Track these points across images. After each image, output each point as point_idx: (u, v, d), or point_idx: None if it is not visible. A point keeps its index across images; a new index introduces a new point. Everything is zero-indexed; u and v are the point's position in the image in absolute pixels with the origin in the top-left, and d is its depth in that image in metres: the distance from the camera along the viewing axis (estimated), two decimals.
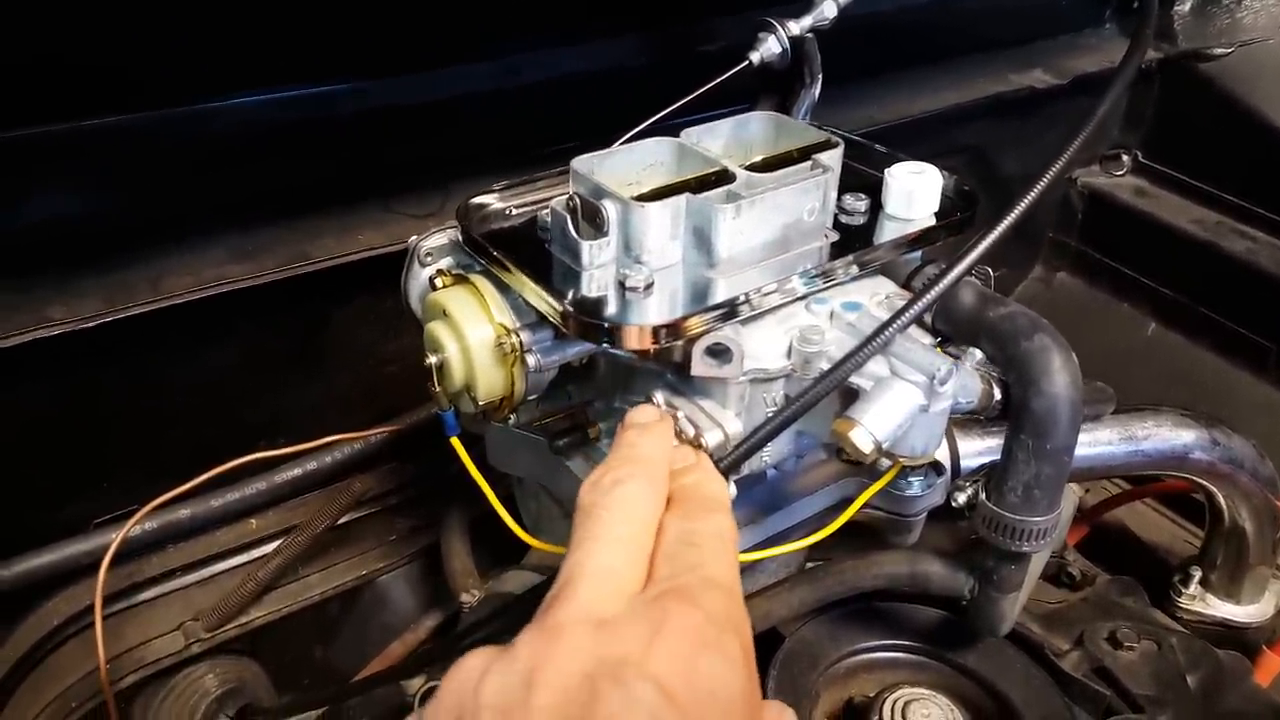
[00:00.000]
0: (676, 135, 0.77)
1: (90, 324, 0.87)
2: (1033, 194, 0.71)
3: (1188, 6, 1.61)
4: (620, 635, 0.44)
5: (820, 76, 0.95)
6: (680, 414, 0.68)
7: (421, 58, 1.03)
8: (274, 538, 1.06)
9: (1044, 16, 1.62)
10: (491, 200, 0.80)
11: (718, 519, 0.54)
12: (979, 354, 0.72)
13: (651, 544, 0.51)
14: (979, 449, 0.93)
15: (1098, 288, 1.69)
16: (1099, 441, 0.99)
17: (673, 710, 0.41)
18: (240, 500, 1.04)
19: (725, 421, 0.69)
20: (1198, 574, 1.14)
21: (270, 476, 1.05)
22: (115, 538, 0.95)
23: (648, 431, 0.60)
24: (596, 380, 0.83)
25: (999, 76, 1.50)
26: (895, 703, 0.84)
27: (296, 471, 1.06)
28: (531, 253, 0.74)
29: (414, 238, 0.79)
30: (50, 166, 0.89)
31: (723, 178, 0.73)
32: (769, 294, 0.70)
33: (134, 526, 0.97)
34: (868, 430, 0.64)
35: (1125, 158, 1.68)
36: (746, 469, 0.74)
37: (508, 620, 0.84)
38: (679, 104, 0.87)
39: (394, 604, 1.12)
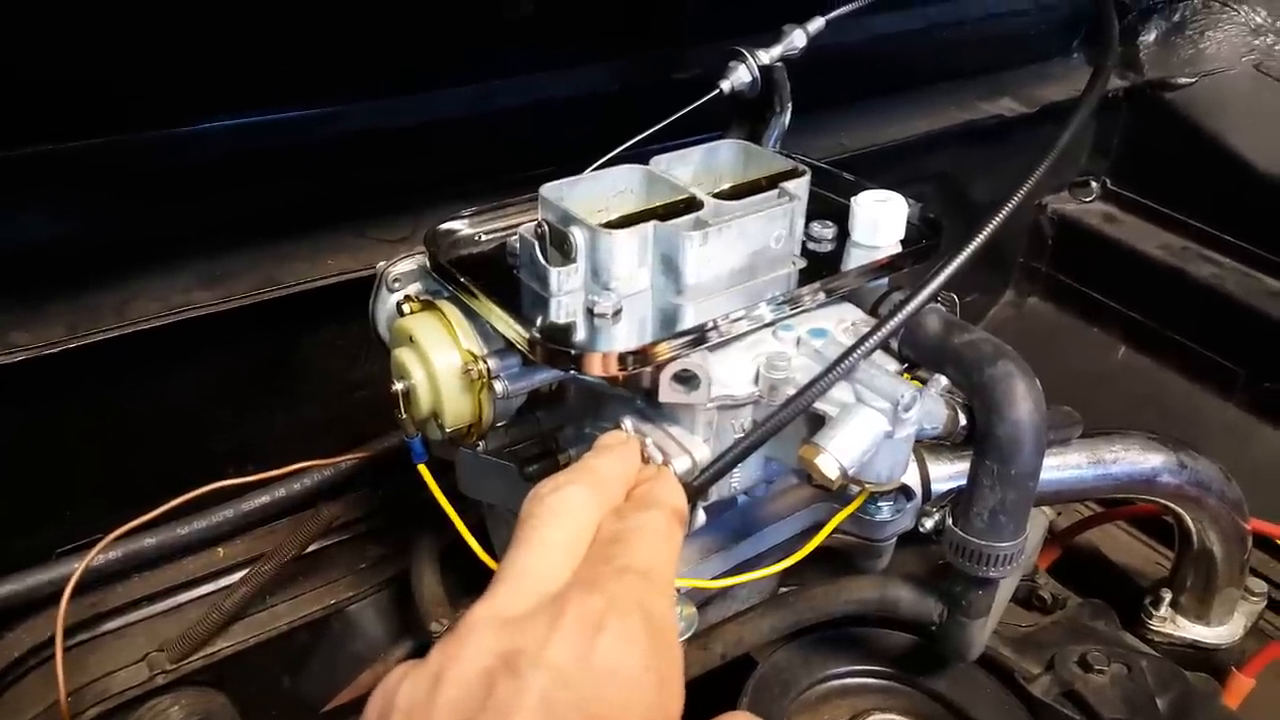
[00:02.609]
0: (647, 162, 0.78)
1: (55, 350, 0.86)
2: (994, 222, 0.72)
3: (1152, 37, 1.64)
4: (522, 629, 0.45)
5: (790, 105, 0.96)
6: (649, 440, 0.68)
7: (394, 83, 1.04)
8: (241, 566, 1.04)
9: (1013, 46, 1.65)
10: (460, 226, 0.80)
11: (650, 514, 0.55)
12: (944, 380, 0.72)
13: (586, 545, 0.52)
14: (949, 473, 0.94)
15: (1068, 312, 1.72)
16: (1068, 465, 1.00)
17: (565, 693, 0.43)
18: (207, 528, 1.02)
19: (693, 448, 0.69)
20: (1168, 596, 1.15)
21: (237, 504, 1.04)
22: (78, 567, 0.93)
23: (606, 450, 0.61)
24: (566, 407, 0.83)
25: (968, 105, 1.52)
26: None
27: (264, 499, 1.04)
28: (500, 279, 0.74)
29: (382, 263, 0.79)
30: (17, 190, 0.88)
31: (691, 205, 0.73)
32: (737, 321, 0.70)
33: (97, 555, 0.95)
34: (833, 456, 0.64)
35: (1094, 184, 1.71)
36: (715, 494, 0.74)
37: None
38: (650, 131, 0.88)
39: (363, 633, 1.10)
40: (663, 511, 0.55)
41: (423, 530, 1.06)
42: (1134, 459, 1.01)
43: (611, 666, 0.44)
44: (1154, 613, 1.15)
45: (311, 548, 1.05)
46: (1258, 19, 1.62)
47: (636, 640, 0.46)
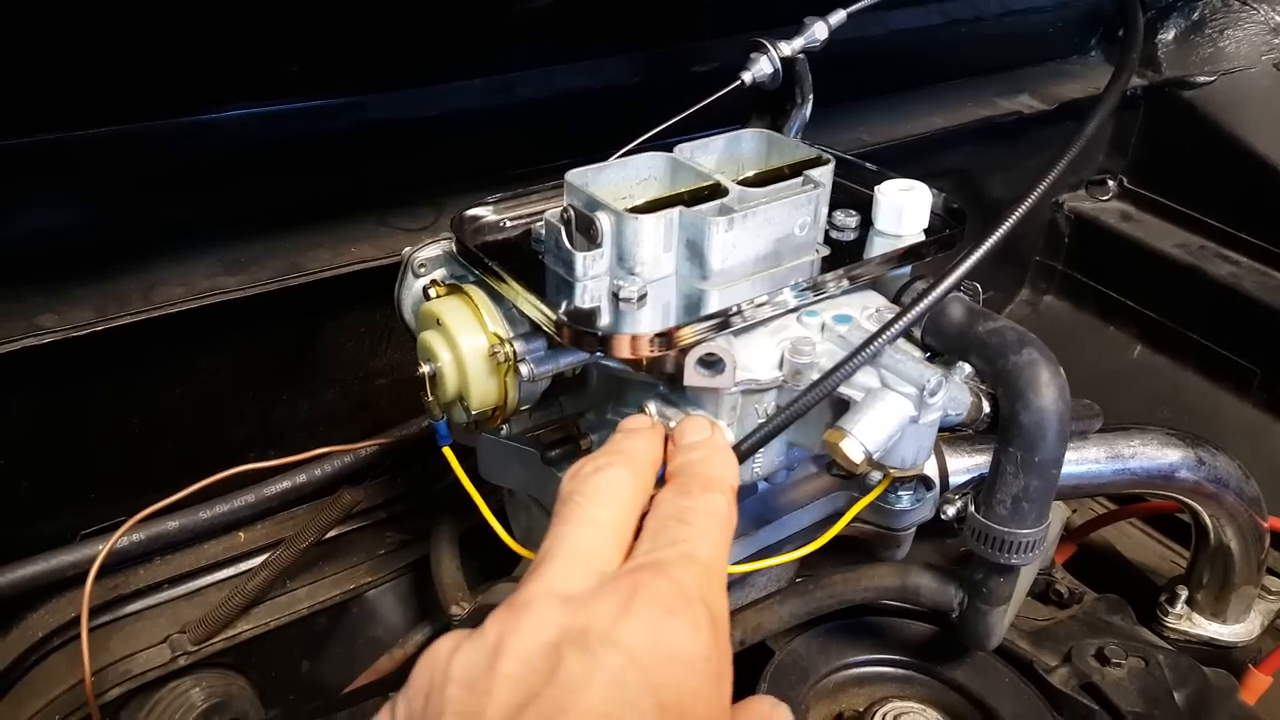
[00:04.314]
0: (670, 151, 0.78)
1: (81, 333, 0.86)
2: (1020, 210, 0.72)
3: (1171, 35, 1.64)
4: (587, 607, 0.45)
5: (811, 97, 0.97)
6: (672, 425, 0.68)
7: (416, 73, 1.04)
8: (262, 550, 1.05)
9: (1032, 43, 1.65)
10: (486, 212, 0.81)
11: (714, 498, 0.54)
12: (968, 368, 0.72)
13: (631, 526, 0.52)
14: (967, 465, 0.94)
15: (1084, 311, 1.71)
16: (1086, 459, 1.00)
17: (636, 674, 0.42)
18: (229, 512, 1.03)
19: None
20: (1184, 593, 1.15)
21: (259, 489, 1.05)
22: (102, 549, 0.94)
23: (636, 433, 0.61)
24: (589, 392, 0.83)
25: (987, 101, 1.52)
26: (885, 716, 0.85)
27: (285, 484, 1.05)
28: (525, 264, 0.75)
29: (408, 249, 0.79)
30: (44, 176, 0.89)
31: (716, 192, 0.74)
32: (761, 306, 0.70)
33: (121, 538, 0.96)
34: (858, 440, 0.64)
35: (1111, 183, 1.71)
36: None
37: None
38: (672, 121, 0.88)
39: (383, 618, 1.11)
40: (725, 494, 0.55)
41: (442, 516, 1.06)
42: (1152, 454, 1.01)
43: (679, 652, 0.44)
44: (1170, 610, 1.15)
45: (332, 533, 1.05)
46: (1278, 18, 1.62)
47: (702, 631, 0.45)
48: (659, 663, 0.43)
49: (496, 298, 0.74)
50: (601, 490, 0.53)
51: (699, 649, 0.45)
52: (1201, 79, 1.59)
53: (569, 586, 0.47)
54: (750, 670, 0.88)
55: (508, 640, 0.43)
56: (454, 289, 0.77)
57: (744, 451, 0.64)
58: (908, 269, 0.80)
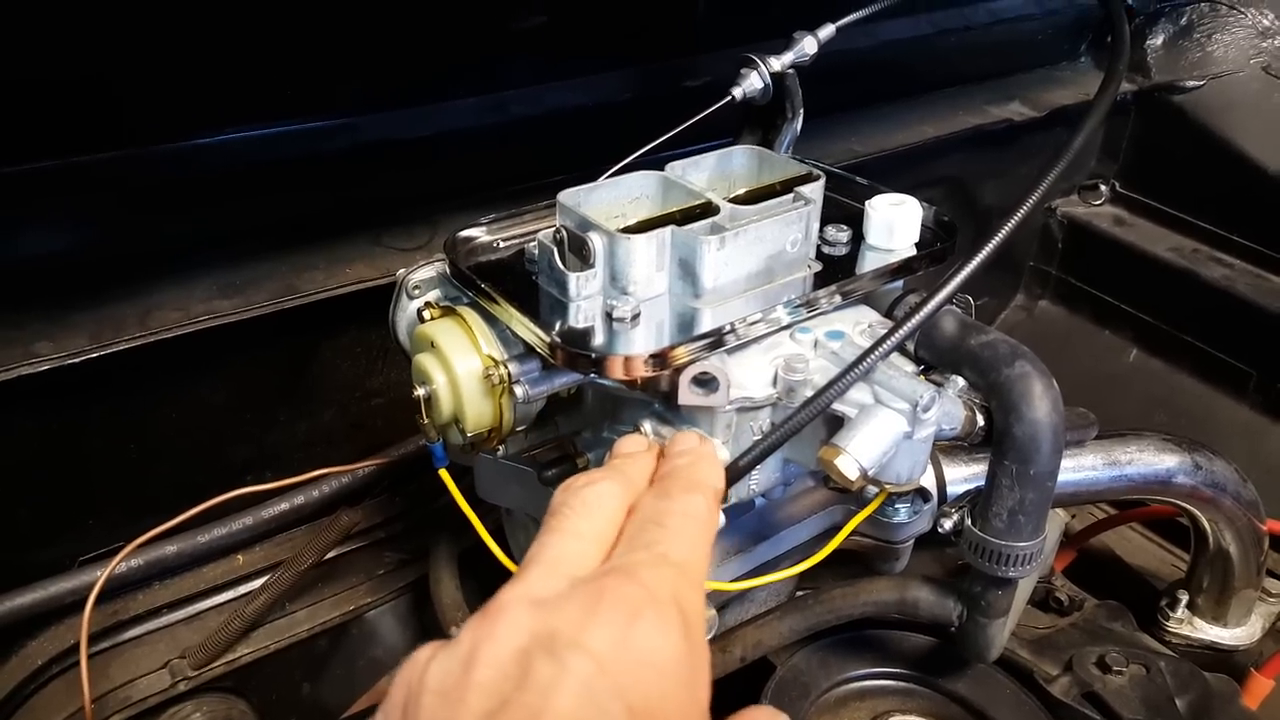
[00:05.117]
0: (661, 169, 0.79)
1: (78, 359, 0.87)
2: (1011, 223, 0.73)
3: (1160, 40, 1.64)
4: (556, 610, 0.45)
5: (801, 111, 0.97)
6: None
7: (410, 93, 1.05)
8: (261, 573, 1.05)
9: (1021, 50, 1.65)
10: (479, 233, 0.81)
11: (693, 500, 0.54)
12: (961, 381, 0.73)
13: (615, 536, 0.52)
14: (965, 475, 0.94)
15: (1079, 315, 1.72)
16: (1083, 467, 1.00)
17: (605, 679, 0.42)
18: (227, 536, 1.03)
19: None
20: (1184, 598, 1.15)
21: (257, 511, 1.05)
22: (100, 575, 0.94)
23: (631, 456, 0.61)
24: (584, 411, 0.83)
25: (977, 109, 1.52)
26: None
27: (284, 506, 1.05)
28: (519, 285, 0.75)
29: (402, 270, 0.80)
30: (40, 202, 0.89)
31: (707, 210, 0.74)
32: (754, 324, 0.71)
33: (119, 564, 0.96)
34: (853, 457, 0.64)
35: (1103, 187, 1.71)
36: (734, 497, 0.75)
37: None
38: (663, 138, 0.88)
39: (383, 639, 1.11)
40: (705, 496, 0.55)
41: (441, 536, 1.06)
42: (1149, 460, 1.01)
43: (647, 656, 0.44)
44: (1171, 614, 1.15)
45: (330, 554, 1.05)
46: (1265, 21, 1.62)
47: (671, 632, 0.45)
48: (627, 667, 0.43)
49: (490, 319, 0.74)
50: (589, 503, 0.53)
51: (669, 652, 0.45)
52: (1191, 83, 1.59)
53: (540, 591, 0.47)
54: (751, 686, 0.88)
55: (481, 647, 0.44)
56: (448, 311, 0.77)
57: (739, 469, 0.65)
58: (900, 283, 0.80)
